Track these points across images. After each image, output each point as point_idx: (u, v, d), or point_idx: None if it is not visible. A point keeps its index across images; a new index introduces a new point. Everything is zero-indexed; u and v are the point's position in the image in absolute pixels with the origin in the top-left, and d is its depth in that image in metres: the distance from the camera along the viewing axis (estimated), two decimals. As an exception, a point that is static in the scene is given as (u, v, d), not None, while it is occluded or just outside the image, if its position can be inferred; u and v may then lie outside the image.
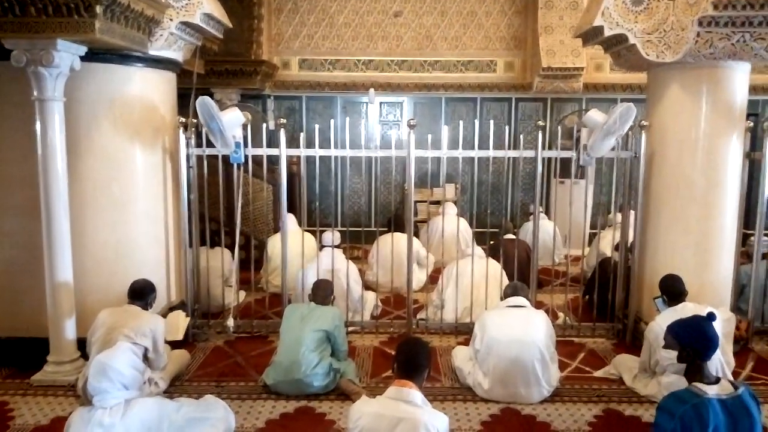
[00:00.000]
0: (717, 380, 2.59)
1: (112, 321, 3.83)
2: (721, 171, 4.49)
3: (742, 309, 4.96)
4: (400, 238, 5.27)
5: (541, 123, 4.87)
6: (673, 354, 2.78)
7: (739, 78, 4.45)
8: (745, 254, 5.26)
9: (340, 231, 5.62)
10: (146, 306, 4.04)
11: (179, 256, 4.95)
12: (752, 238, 5.06)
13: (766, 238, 5.04)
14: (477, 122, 5.15)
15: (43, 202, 3.94)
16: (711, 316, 2.74)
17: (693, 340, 2.66)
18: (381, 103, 8.92)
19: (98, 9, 3.49)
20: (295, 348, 3.86)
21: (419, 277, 6.24)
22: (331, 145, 4.93)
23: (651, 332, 3.89)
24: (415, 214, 7.85)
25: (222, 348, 4.77)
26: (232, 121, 4.53)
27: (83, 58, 3.96)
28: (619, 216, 5.20)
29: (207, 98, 4.30)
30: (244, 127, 4.68)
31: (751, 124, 4.67)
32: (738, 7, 3.83)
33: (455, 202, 7.98)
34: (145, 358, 3.81)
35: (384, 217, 8.13)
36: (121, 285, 4.14)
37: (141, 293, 4.02)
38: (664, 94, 4.63)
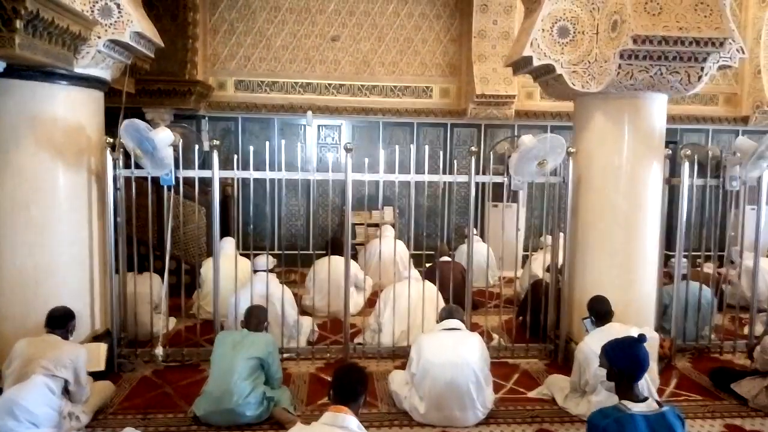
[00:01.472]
0: (644, 399, 2.69)
1: (29, 352, 3.59)
2: (643, 195, 4.71)
3: (665, 328, 5.19)
4: (338, 261, 5.22)
5: (474, 149, 4.99)
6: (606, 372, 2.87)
7: (657, 108, 4.71)
8: (667, 275, 5.51)
9: (276, 254, 5.53)
10: (66, 334, 3.82)
11: (105, 281, 4.72)
12: (673, 259, 5.31)
13: (685, 259, 5.30)
14: (413, 146, 5.22)
15: (-47, 225, 3.69)
16: (641, 338, 2.82)
17: (622, 362, 2.75)
18: (319, 125, 8.92)
19: (18, 24, 3.32)
20: (227, 376, 3.73)
21: (357, 300, 6.21)
22: (266, 167, 4.86)
23: (580, 352, 3.99)
24: (353, 236, 7.84)
25: (150, 378, 4.56)
26: (164, 140, 4.41)
27: (2, 74, 3.77)
28: (549, 238, 5.36)
29: (134, 120, 4.17)
30: (175, 147, 4.56)
31: (670, 151, 4.94)
32: (654, 42, 4.07)
33: (393, 225, 8.03)
34: (66, 391, 3.59)
35: (322, 239, 8.06)
36: (40, 313, 3.90)
37: (60, 321, 3.80)
38: (590, 123, 4.84)
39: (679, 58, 4.19)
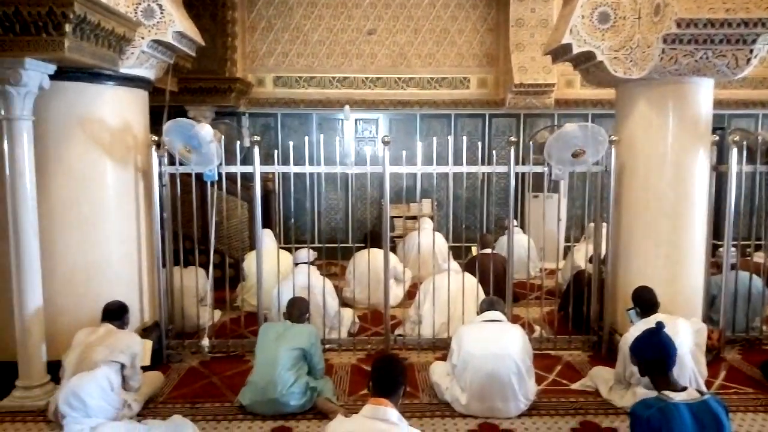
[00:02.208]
0: (684, 389, 2.66)
1: (89, 340, 3.80)
2: (689, 184, 4.59)
3: (714, 319, 5.05)
4: (377, 253, 5.25)
5: (513, 139, 4.94)
6: None
7: (703, 93, 4.57)
8: (715, 265, 5.36)
9: (316, 248, 5.60)
10: (123, 326, 4.03)
11: (152, 275, 4.87)
12: (721, 249, 5.16)
13: (734, 249, 5.14)
14: (451, 138, 5.20)
15: (11, 223, 3.86)
16: (660, 326, 2.81)
17: (647, 352, 2.74)
18: (356, 119, 8.96)
19: (67, 27, 3.45)
20: (271, 367, 3.81)
21: (396, 292, 6.23)
22: (305, 162, 4.93)
23: (625, 344, 3.91)
24: (392, 229, 7.87)
25: (197, 368, 4.69)
26: (208, 135, 4.51)
27: (52, 77, 3.91)
28: (592, 228, 5.27)
29: (178, 119, 4.27)
30: (218, 143, 4.66)
31: (717, 137, 4.79)
32: (699, 26, 3.95)
33: (432, 217, 8.02)
34: (123, 378, 3.74)
35: (360, 232, 8.11)
36: (92, 307, 4.07)
37: (116, 314, 4.01)
38: (632, 110, 4.73)
39: (726, 40, 4.06)
